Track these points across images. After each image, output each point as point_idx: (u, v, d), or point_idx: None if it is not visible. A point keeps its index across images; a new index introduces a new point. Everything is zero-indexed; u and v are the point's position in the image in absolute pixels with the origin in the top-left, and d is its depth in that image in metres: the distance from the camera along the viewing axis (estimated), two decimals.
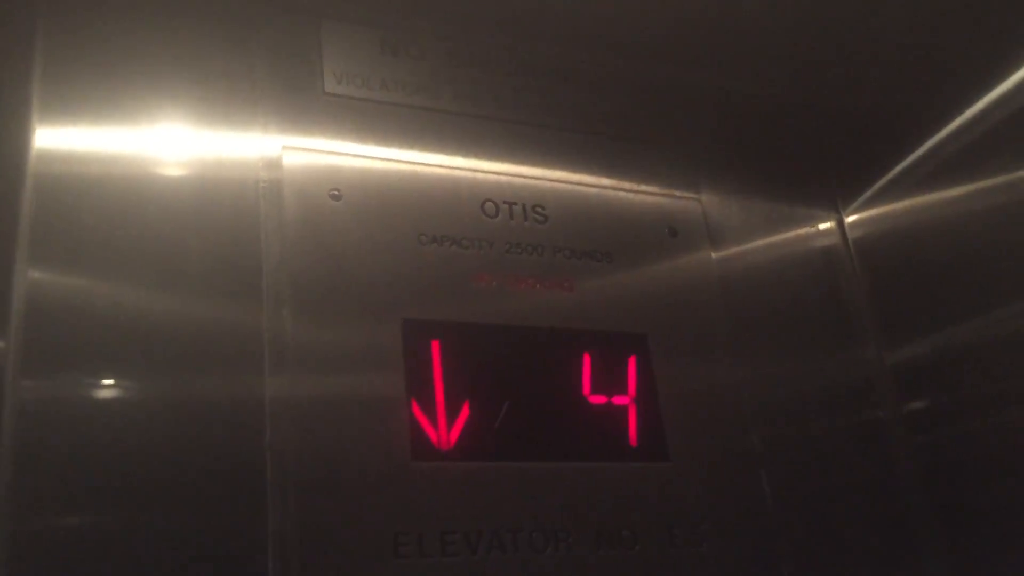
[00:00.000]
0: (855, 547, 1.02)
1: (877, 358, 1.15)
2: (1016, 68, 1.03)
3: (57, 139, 0.85)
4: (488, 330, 0.93)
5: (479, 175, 1.01)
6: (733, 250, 1.13)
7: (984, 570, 1.03)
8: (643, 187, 1.10)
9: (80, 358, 0.78)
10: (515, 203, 1.01)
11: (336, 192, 0.92)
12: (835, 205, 1.24)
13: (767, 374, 1.07)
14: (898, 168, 1.18)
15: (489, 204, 1.00)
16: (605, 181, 1.08)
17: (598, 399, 0.95)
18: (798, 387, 1.09)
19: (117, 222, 0.84)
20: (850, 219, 1.23)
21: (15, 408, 0.74)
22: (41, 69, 0.87)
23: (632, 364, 0.98)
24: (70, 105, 0.87)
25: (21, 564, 0.70)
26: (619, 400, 0.96)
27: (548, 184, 1.04)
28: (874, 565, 1.03)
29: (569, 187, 1.05)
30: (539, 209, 1.02)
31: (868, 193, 1.21)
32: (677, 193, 1.12)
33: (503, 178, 1.02)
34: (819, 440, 1.07)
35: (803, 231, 1.21)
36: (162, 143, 0.89)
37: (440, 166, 0.99)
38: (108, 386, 0.78)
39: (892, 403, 1.13)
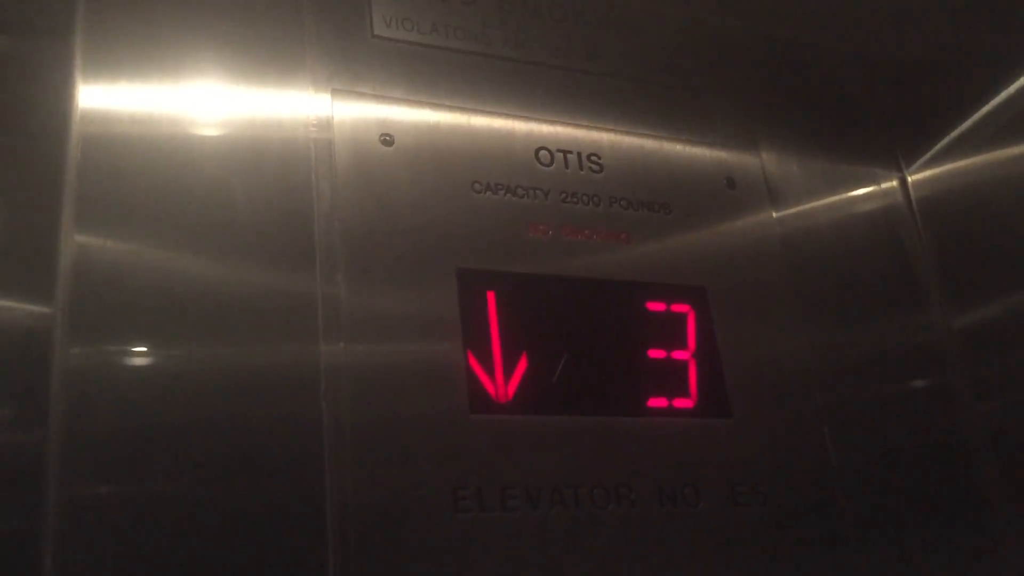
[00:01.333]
0: (920, 510, 0.99)
1: (942, 322, 1.11)
2: None
3: (102, 97, 0.81)
4: (544, 280, 0.89)
5: (533, 123, 0.97)
6: (793, 209, 1.08)
7: None
8: (700, 138, 1.06)
9: (128, 323, 0.74)
10: (570, 152, 0.97)
11: (387, 137, 0.89)
12: (897, 163, 1.19)
13: (829, 335, 1.03)
14: (965, 124, 1.13)
15: (543, 152, 0.96)
16: (661, 131, 1.04)
17: (657, 353, 0.91)
18: (861, 349, 1.05)
19: (166, 174, 0.80)
20: (913, 178, 1.18)
21: (63, 375, 0.71)
22: (83, 24, 0.84)
23: (691, 318, 0.94)
24: (114, 61, 0.83)
25: (71, 532, 0.67)
26: (679, 355, 0.92)
27: (603, 133, 1.00)
28: (939, 528, 0.99)
29: (624, 136, 1.01)
30: (594, 158, 0.98)
31: (932, 151, 1.17)
32: (735, 146, 1.08)
33: (558, 126, 0.98)
34: (883, 403, 1.03)
35: (864, 190, 1.16)
36: (210, 91, 0.86)
37: (493, 112, 0.96)
38: (157, 353, 0.74)
39: (958, 368, 1.09)
